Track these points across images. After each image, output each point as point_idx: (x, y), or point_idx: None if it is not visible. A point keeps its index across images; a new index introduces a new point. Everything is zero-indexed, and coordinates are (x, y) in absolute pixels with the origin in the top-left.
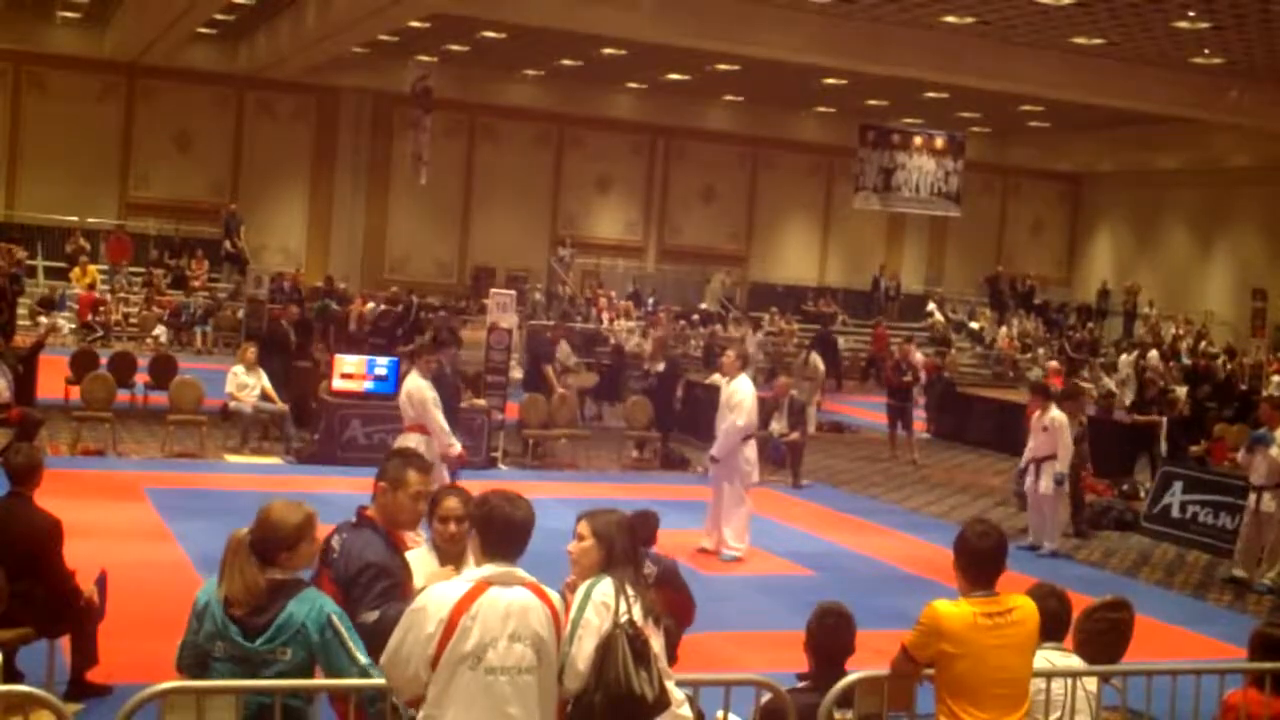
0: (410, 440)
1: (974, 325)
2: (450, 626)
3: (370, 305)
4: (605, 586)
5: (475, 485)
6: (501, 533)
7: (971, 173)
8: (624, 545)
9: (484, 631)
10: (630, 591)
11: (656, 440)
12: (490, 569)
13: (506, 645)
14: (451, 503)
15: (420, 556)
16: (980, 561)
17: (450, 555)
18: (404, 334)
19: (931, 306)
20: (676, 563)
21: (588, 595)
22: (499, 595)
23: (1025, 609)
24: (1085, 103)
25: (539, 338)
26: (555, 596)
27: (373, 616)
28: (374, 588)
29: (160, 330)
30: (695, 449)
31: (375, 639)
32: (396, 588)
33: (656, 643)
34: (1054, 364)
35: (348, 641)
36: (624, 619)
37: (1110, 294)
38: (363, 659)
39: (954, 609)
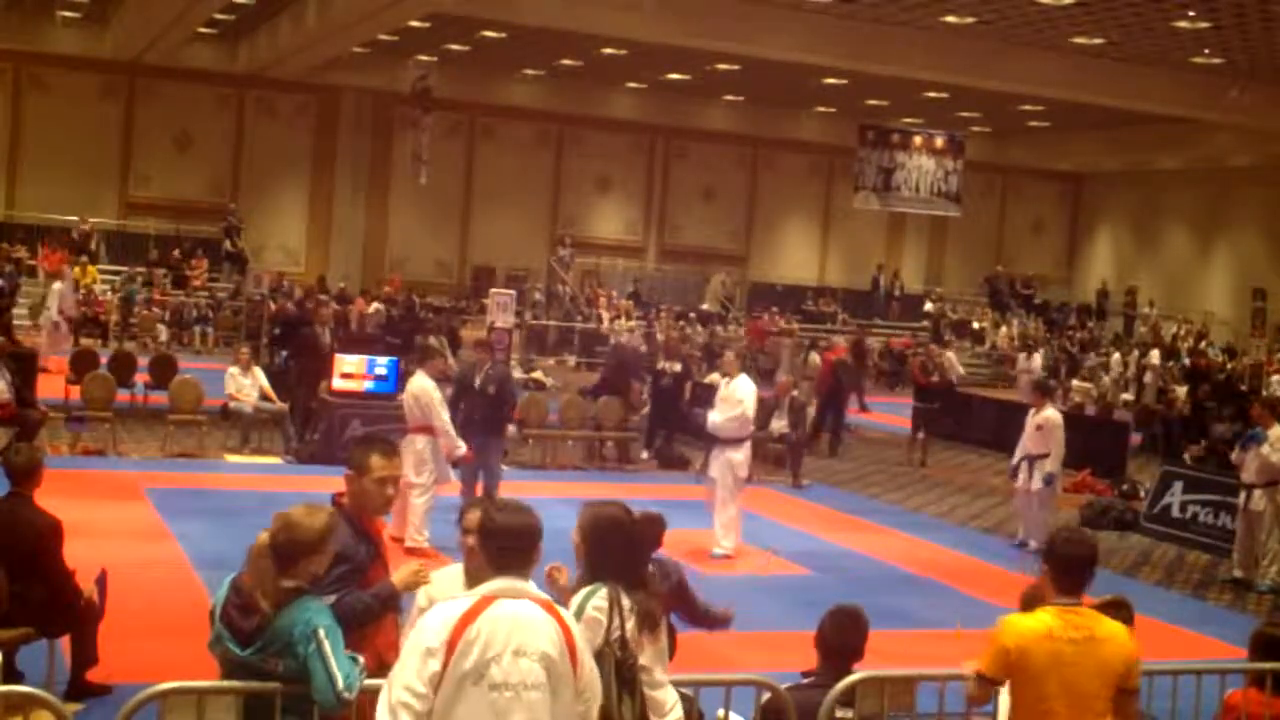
0: (417, 443)
1: (974, 325)
2: (453, 643)
3: (375, 306)
4: (600, 600)
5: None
6: (506, 544)
7: (971, 173)
8: (609, 545)
9: (486, 647)
10: (625, 603)
11: (659, 440)
12: (498, 583)
13: (511, 661)
14: (474, 515)
15: (455, 574)
16: (1068, 568)
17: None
18: (405, 334)
19: (929, 306)
20: (683, 570)
21: (581, 609)
22: (503, 609)
23: (1113, 637)
24: (1085, 103)
25: (627, 348)
26: (568, 614)
27: (329, 600)
28: (331, 571)
29: (160, 330)
30: (697, 449)
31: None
32: (356, 573)
33: (651, 651)
34: (840, 339)
35: (328, 656)
36: (615, 636)
37: (1109, 294)
38: (341, 681)
39: (1027, 621)
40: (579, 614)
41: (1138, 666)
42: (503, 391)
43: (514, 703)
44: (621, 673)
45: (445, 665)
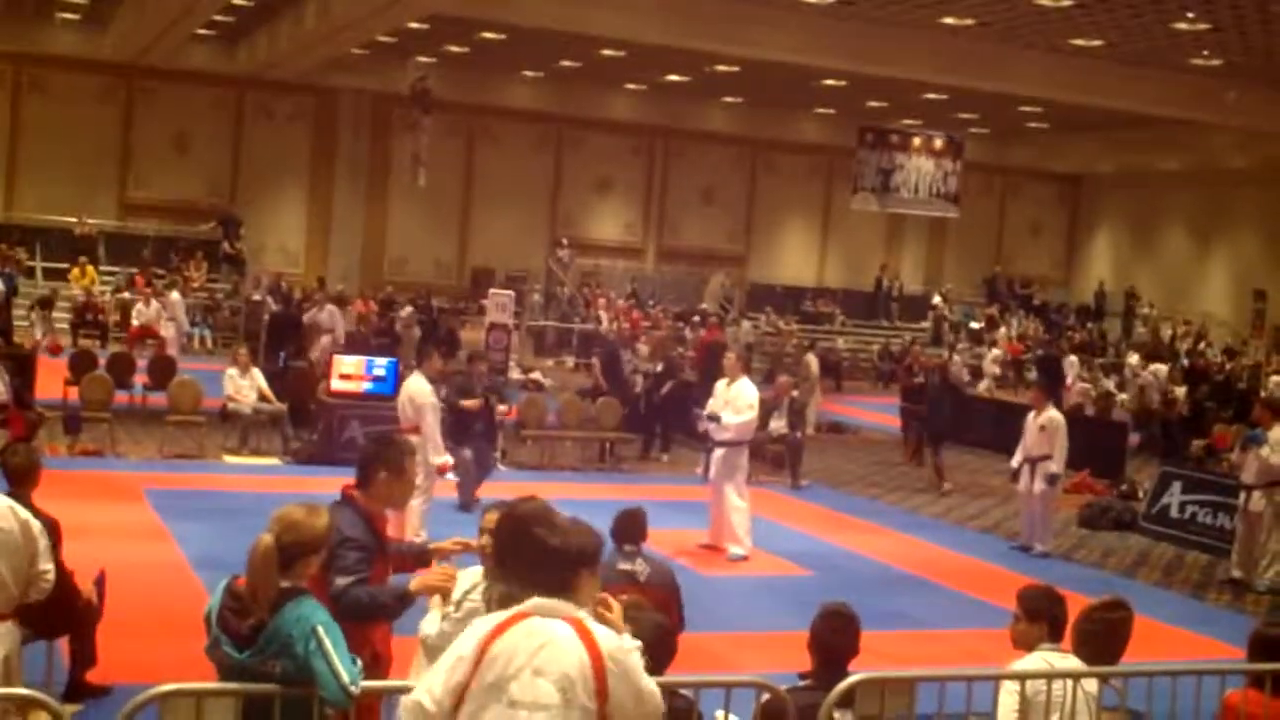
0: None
1: (974, 325)
2: (479, 655)
3: (408, 310)
4: (477, 595)
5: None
6: (534, 563)
7: (970, 173)
8: (513, 541)
9: (508, 663)
10: (496, 596)
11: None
12: (534, 601)
13: (530, 679)
14: (492, 516)
15: (471, 575)
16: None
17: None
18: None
19: (937, 299)
20: (673, 569)
21: (460, 601)
22: (533, 626)
23: None
24: (1085, 103)
25: (612, 343)
26: (602, 636)
27: (343, 582)
28: (349, 556)
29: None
30: (691, 450)
31: (338, 602)
32: (367, 560)
33: None
34: (712, 317)
35: (330, 653)
36: None
37: (1108, 295)
38: (346, 675)
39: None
40: (459, 602)
41: None
42: (489, 402)
43: None
44: None
45: (470, 676)
